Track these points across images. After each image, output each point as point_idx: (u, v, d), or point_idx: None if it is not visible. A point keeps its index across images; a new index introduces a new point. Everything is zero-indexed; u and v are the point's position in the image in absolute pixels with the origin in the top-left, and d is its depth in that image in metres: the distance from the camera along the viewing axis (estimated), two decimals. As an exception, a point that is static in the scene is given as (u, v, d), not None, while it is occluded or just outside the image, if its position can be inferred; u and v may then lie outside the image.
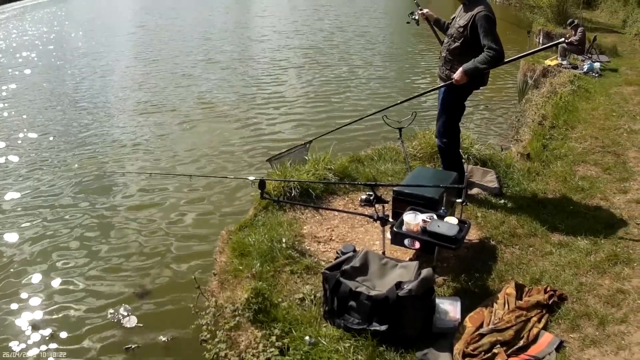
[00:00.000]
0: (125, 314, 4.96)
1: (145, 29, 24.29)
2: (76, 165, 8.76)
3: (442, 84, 4.69)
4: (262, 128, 10.34)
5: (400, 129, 5.40)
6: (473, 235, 4.35)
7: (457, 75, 4.43)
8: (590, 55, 12.48)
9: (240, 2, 35.01)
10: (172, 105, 11.87)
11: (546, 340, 3.18)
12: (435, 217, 3.70)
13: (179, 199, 7.39)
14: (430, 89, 5.35)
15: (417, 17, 5.15)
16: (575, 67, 11.67)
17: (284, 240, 4.21)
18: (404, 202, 3.97)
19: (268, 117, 10.98)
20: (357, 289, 3.18)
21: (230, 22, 26.11)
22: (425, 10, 5.07)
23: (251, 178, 4.31)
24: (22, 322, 5.02)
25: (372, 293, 3.14)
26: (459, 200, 4.21)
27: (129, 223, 6.78)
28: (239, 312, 3.53)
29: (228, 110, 11.40)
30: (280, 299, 3.63)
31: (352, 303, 3.19)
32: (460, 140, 5.00)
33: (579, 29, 12.81)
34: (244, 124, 10.52)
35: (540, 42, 17.66)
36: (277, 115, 11.08)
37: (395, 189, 4.13)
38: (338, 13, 27.37)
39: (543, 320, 3.32)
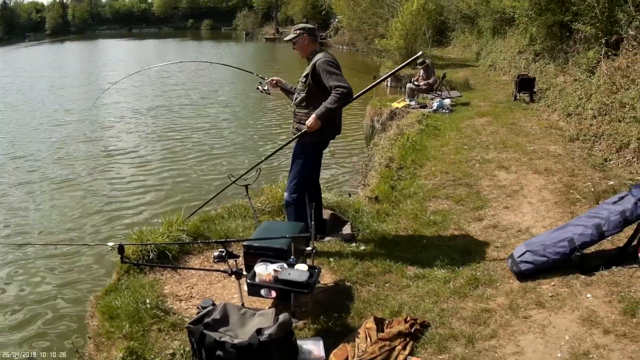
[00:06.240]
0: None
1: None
2: None
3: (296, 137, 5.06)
4: (117, 198, 10.56)
5: (246, 186, 5.81)
6: (328, 279, 4.68)
7: (308, 121, 4.78)
8: (439, 93, 13.30)
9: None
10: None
11: (415, 364, 3.44)
12: (285, 266, 4.04)
13: (43, 269, 7.55)
14: (282, 144, 5.74)
15: (266, 87, 5.60)
16: (424, 107, 12.57)
17: (147, 301, 4.41)
18: (254, 255, 4.27)
19: (119, 187, 11.19)
20: (222, 339, 3.36)
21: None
22: (273, 78, 5.54)
23: (110, 244, 4.50)
24: None
25: (236, 341, 3.34)
26: (309, 249, 4.58)
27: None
28: (117, 372, 3.68)
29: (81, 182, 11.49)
30: (152, 356, 3.83)
31: (219, 352, 3.36)
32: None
33: (429, 69, 13.90)
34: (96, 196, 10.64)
35: (388, 85, 18.91)
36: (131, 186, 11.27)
37: (244, 243, 4.44)
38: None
39: (408, 347, 3.62)
